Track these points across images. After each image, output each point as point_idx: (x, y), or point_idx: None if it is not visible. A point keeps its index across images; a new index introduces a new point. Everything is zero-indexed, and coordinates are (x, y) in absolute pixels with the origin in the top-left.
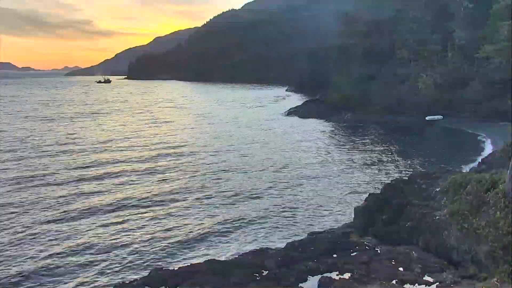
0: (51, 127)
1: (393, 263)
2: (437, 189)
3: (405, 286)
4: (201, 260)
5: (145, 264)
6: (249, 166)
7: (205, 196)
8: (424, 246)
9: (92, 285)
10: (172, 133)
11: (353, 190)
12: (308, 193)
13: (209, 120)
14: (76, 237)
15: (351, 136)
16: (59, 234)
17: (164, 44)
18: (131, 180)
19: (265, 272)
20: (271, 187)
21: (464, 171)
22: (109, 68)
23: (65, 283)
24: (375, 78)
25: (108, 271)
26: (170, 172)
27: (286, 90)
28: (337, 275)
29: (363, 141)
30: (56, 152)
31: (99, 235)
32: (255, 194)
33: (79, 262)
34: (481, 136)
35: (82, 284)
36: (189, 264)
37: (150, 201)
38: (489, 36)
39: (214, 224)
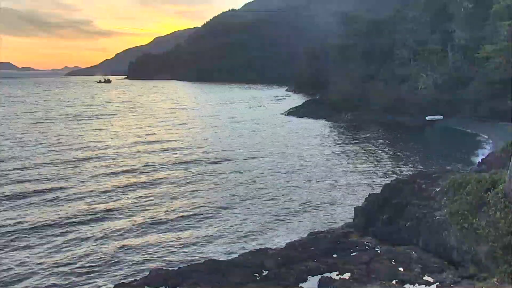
0: (60, 129)
1: (393, 263)
2: (437, 189)
3: (405, 286)
4: (201, 260)
5: (145, 264)
6: (249, 167)
7: (204, 196)
8: (424, 246)
9: (92, 285)
10: (177, 133)
11: (353, 190)
12: (308, 193)
13: (211, 121)
14: (76, 237)
15: (351, 136)
16: (59, 234)
17: (164, 44)
18: (130, 181)
19: (265, 272)
20: (270, 187)
21: (464, 171)
22: (109, 68)
23: (66, 283)
24: (374, 78)
25: (108, 271)
26: (170, 173)
27: (286, 90)
28: (337, 275)
29: (363, 141)
30: (67, 156)
31: (99, 235)
32: (254, 194)
33: (79, 263)
34: (481, 136)
35: (82, 284)
36: (189, 264)
37: (150, 201)
38: (489, 36)
39: (214, 224)
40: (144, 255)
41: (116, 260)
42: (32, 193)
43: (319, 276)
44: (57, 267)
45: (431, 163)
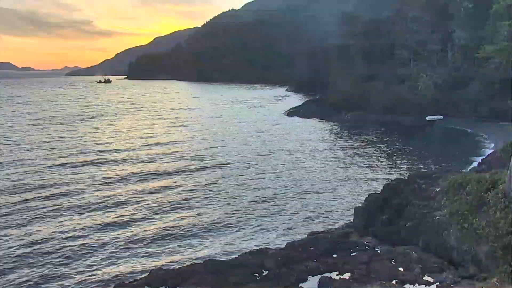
0: (60, 131)
1: (393, 263)
2: (437, 189)
3: (405, 286)
4: (201, 260)
5: (145, 264)
6: (248, 167)
7: (204, 196)
8: (424, 246)
9: (93, 285)
10: (178, 135)
11: (353, 190)
12: (308, 193)
13: (212, 122)
14: (77, 238)
15: (351, 136)
16: (60, 234)
17: (164, 44)
18: (131, 180)
19: (265, 272)
20: (271, 187)
21: (464, 171)
22: (109, 68)
23: (67, 282)
24: (375, 78)
25: (109, 271)
26: (170, 174)
27: (286, 90)
28: (337, 275)
29: (363, 141)
30: (70, 158)
31: (100, 236)
32: (255, 194)
33: (80, 263)
34: (481, 136)
35: (83, 284)
36: (189, 264)
37: (150, 201)
38: (489, 36)
39: (214, 225)
40: (144, 255)
41: (116, 260)
42: (34, 195)
43: (319, 276)
44: (58, 267)
45: (431, 163)
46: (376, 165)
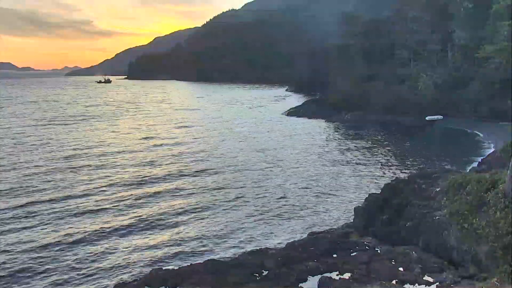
0: (60, 132)
1: (393, 263)
2: (437, 189)
3: (405, 286)
4: (201, 260)
5: (145, 264)
6: (248, 168)
7: (204, 196)
8: (424, 246)
9: (93, 285)
10: (179, 136)
11: (353, 190)
12: (308, 193)
13: (212, 122)
14: (77, 238)
15: (351, 136)
16: (60, 234)
17: (164, 44)
18: (132, 181)
19: (265, 272)
20: (271, 187)
21: (464, 171)
22: (109, 68)
23: (66, 282)
24: (375, 78)
25: (109, 271)
26: (172, 174)
27: (286, 90)
28: (337, 275)
29: (363, 141)
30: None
31: (101, 235)
32: (255, 194)
33: (81, 263)
34: (481, 136)
35: (83, 283)
36: (189, 264)
37: (150, 201)
38: (489, 36)
39: (214, 224)
40: (144, 255)
41: (116, 260)
42: (34, 198)
43: (319, 276)
44: (59, 266)
45: (431, 163)
46: (376, 165)
